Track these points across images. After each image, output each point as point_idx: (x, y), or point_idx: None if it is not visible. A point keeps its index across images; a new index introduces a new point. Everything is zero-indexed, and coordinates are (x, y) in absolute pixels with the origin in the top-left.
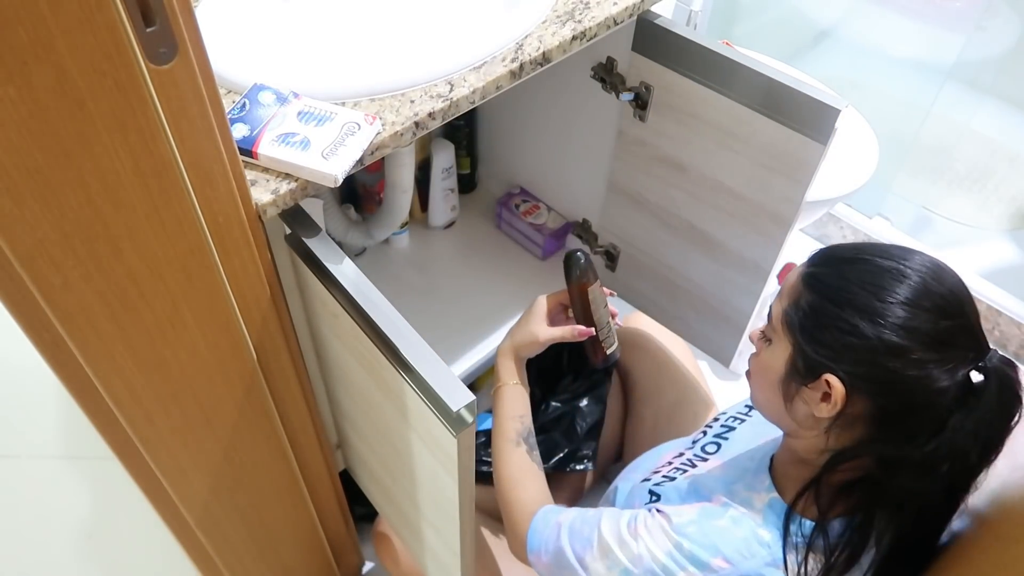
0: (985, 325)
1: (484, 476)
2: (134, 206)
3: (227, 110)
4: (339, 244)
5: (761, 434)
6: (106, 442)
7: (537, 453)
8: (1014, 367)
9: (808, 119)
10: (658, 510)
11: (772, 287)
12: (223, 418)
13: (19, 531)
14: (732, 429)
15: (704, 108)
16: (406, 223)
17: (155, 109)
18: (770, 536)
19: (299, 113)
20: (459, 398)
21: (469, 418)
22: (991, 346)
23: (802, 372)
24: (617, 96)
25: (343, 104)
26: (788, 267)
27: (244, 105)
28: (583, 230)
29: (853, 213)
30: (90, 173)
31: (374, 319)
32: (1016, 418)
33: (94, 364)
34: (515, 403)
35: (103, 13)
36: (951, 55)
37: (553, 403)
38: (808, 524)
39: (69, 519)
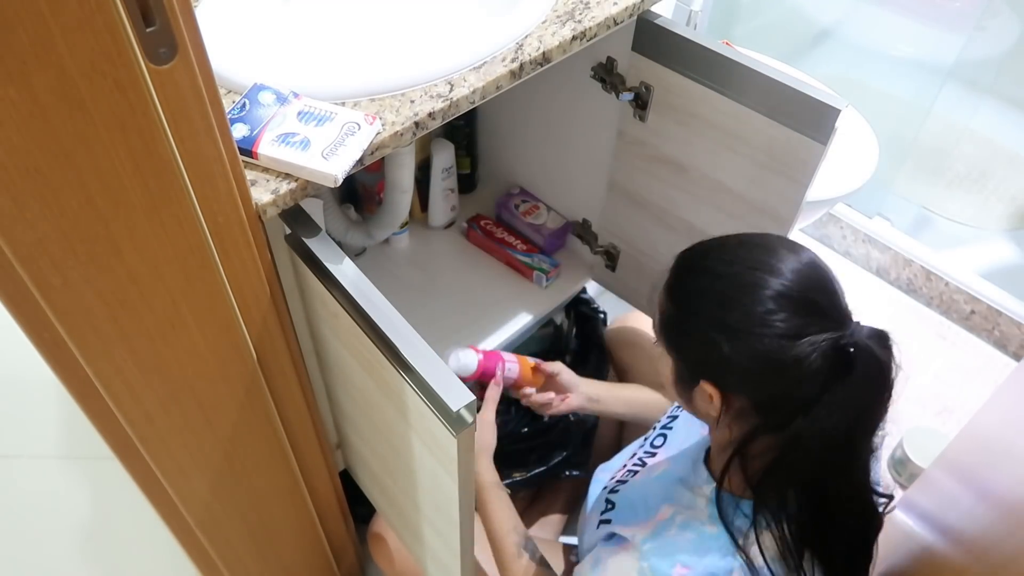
0: (985, 325)
1: None
2: (134, 206)
3: (227, 110)
4: (339, 244)
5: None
6: (106, 442)
7: (538, 557)
8: (883, 339)
9: (808, 119)
10: (618, 538)
11: None
12: (223, 418)
13: (19, 531)
14: (675, 418)
15: (704, 108)
16: (406, 223)
17: (155, 109)
18: (716, 529)
19: (299, 113)
20: (459, 398)
21: (469, 418)
22: (856, 320)
23: (685, 378)
24: (617, 96)
25: (343, 104)
26: None
27: (244, 105)
28: (583, 230)
29: (853, 213)
30: (90, 173)
31: (374, 319)
32: (887, 390)
33: (94, 364)
34: (504, 512)
35: (103, 13)
36: (951, 55)
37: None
38: (747, 504)
39: (69, 519)
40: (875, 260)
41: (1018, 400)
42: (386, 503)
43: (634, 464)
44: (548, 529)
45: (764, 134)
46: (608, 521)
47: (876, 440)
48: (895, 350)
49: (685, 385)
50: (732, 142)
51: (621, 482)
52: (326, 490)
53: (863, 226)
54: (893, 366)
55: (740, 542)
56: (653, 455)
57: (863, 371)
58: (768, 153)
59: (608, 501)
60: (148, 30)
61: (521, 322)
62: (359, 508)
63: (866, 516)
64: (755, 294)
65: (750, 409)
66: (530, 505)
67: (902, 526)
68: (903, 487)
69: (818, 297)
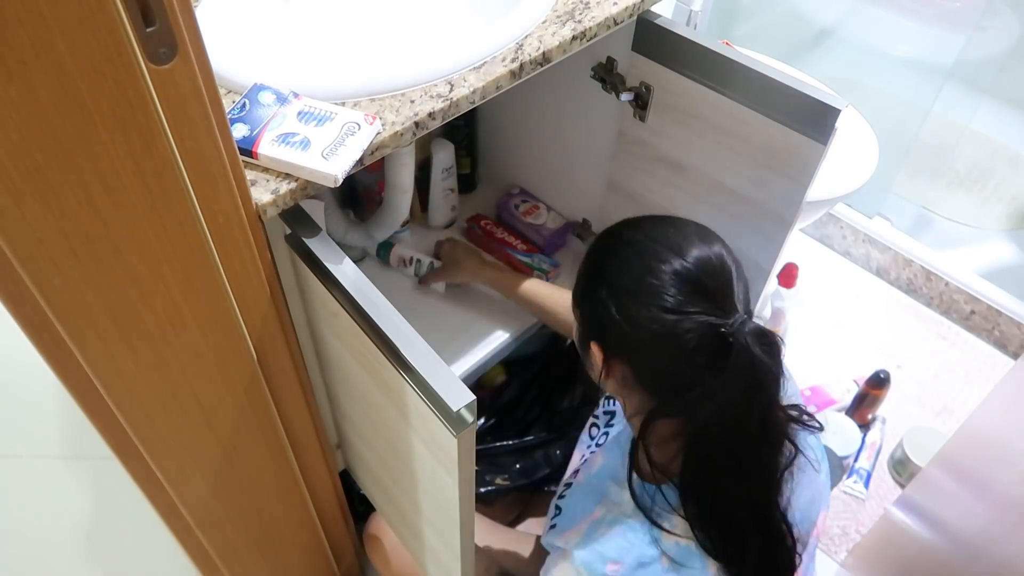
0: (985, 325)
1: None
2: (134, 206)
3: (227, 110)
4: (339, 245)
5: None
6: (106, 442)
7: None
8: (764, 338)
9: (808, 119)
10: (557, 548)
11: (772, 287)
12: (223, 418)
13: (19, 531)
14: (614, 414)
15: (704, 108)
16: (406, 223)
17: (155, 109)
18: (638, 521)
19: (299, 113)
20: (459, 398)
21: (469, 418)
22: (744, 316)
23: (583, 339)
24: (617, 96)
25: (343, 104)
26: (788, 267)
27: (244, 105)
28: (583, 230)
29: (853, 213)
30: (90, 173)
31: (374, 319)
32: (760, 390)
33: (94, 364)
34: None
35: (103, 13)
36: (951, 55)
37: (541, 433)
38: (668, 489)
39: (69, 519)
40: (875, 260)
41: (1016, 398)
42: (386, 503)
43: (580, 463)
44: (539, 527)
45: (764, 134)
46: (555, 527)
47: (782, 460)
48: (778, 354)
49: (584, 346)
50: (732, 142)
51: (567, 485)
52: (326, 490)
53: (863, 226)
54: (771, 368)
55: (665, 526)
56: (595, 453)
57: (736, 364)
58: (768, 153)
59: (556, 507)
60: (148, 30)
61: (521, 322)
62: (359, 508)
63: (773, 539)
64: (651, 264)
65: (630, 380)
66: (526, 508)
67: (900, 525)
68: (903, 487)
69: (709, 282)
